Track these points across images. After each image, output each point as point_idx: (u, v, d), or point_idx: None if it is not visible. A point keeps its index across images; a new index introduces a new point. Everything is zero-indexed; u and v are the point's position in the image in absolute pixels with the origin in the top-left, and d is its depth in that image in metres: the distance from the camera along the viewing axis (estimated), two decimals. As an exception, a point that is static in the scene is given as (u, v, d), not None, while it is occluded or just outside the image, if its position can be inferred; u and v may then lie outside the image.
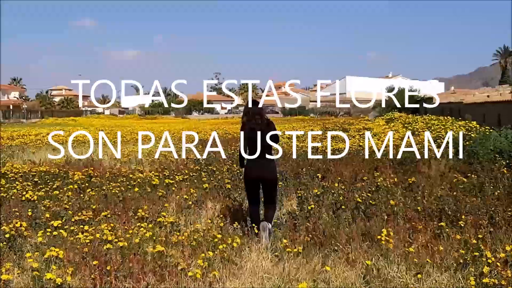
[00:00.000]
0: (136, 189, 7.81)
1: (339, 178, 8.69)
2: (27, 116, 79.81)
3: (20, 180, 9.06)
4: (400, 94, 38.61)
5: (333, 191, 7.63)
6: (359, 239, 5.57)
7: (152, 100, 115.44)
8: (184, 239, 5.32)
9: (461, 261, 4.81)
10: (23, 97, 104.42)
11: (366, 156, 11.48)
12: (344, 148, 12.86)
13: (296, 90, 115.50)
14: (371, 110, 58.40)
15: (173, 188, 8.23)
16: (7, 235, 5.32)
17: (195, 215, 7.09)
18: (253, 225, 5.86)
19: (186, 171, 9.45)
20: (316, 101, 79.43)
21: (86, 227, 5.65)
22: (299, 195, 7.18)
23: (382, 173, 9.34)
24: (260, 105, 6.24)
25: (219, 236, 5.36)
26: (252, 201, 6.22)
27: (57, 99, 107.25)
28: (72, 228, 5.73)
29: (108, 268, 4.33)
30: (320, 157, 11.33)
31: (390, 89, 41.52)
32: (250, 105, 6.20)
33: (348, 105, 68.83)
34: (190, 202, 7.28)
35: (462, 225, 5.88)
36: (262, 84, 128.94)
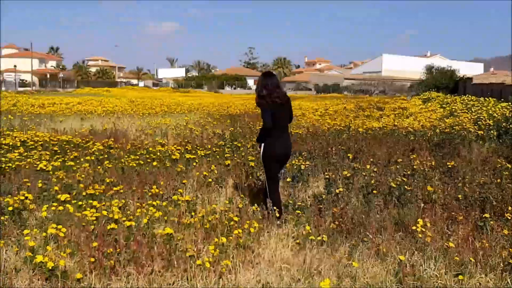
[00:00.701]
0: (155, 163, 7.39)
1: (371, 159, 8.08)
2: (63, 85, 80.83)
3: (39, 149, 8.76)
4: (439, 73, 37.17)
5: (364, 174, 7.06)
6: (391, 228, 5.01)
7: (186, 74, 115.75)
8: (197, 221, 4.86)
9: (511, 261, 4.21)
10: (60, 67, 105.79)
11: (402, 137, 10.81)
12: (378, 127, 12.20)
13: (330, 68, 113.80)
14: (407, 90, 56.86)
15: (194, 164, 7.79)
16: (10, 208, 4.96)
17: (215, 193, 6.63)
18: (275, 208, 5.37)
19: (209, 146, 8.99)
20: (350, 79, 77.75)
21: (95, 203, 5.24)
22: (327, 176, 6.62)
23: (418, 156, 8.68)
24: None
25: (236, 219, 4.89)
26: (275, 179, 5.76)
27: (93, 69, 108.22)
28: (80, 203, 5.34)
29: (109, 251, 3.90)
30: (352, 136, 10.74)
31: (428, 68, 39.98)
32: (267, 77, 5.64)
33: (383, 84, 67.23)
34: (210, 180, 6.82)
35: (509, 217, 5.24)
36: (296, 60, 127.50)
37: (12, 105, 22.14)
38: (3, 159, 7.48)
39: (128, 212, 5.11)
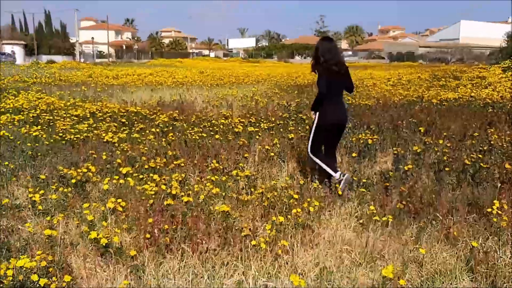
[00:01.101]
0: (217, 136, 7.31)
1: (444, 134, 7.59)
2: (138, 56, 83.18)
3: (108, 120, 8.94)
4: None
5: (436, 149, 6.63)
6: (463, 210, 4.62)
7: (256, 43, 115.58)
8: (255, 198, 4.72)
9: None
10: (135, 38, 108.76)
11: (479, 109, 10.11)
12: (453, 98, 11.50)
13: (405, 35, 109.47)
14: (486, 58, 53.63)
15: (257, 137, 7.64)
16: (73, 181, 5.04)
17: (276, 168, 6.46)
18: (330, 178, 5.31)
19: (273, 119, 8.79)
20: (426, 47, 74.41)
21: (155, 176, 5.22)
22: (395, 152, 6.25)
23: (497, 130, 8.07)
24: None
25: (296, 196, 4.70)
26: (329, 149, 5.68)
27: (166, 41, 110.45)
28: (141, 176, 5.34)
29: (165, 227, 3.84)
30: (424, 107, 10.17)
31: (510, 35, 37.33)
32: (325, 43, 5.42)
33: (461, 52, 63.88)
34: (272, 154, 6.65)
35: None
36: (369, 28, 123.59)
37: (88, 76, 22.98)
38: (72, 130, 7.67)
39: (186, 187, 5.05)
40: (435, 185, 5.42)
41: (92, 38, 77.32)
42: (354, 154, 6.60)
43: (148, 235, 3.74)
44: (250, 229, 3.95)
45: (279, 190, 5.15)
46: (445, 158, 5.98)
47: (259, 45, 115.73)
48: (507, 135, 7.62)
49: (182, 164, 5.92)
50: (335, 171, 5.42)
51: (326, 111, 5.34)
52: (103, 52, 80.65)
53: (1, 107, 10.08)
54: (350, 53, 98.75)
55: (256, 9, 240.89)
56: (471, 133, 7.77)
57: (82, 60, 64.11)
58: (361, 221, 4.51)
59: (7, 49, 59.24)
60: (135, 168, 5.78)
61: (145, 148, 6.56)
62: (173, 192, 4.58)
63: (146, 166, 5.72)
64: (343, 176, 5.31)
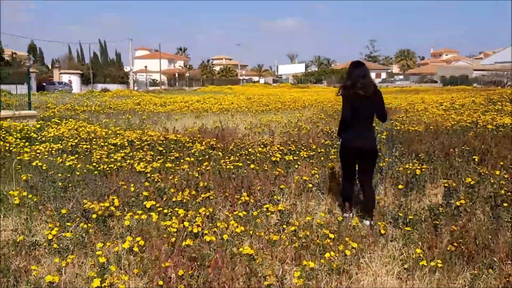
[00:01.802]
0: (253, 165, 6.91)
1: (501, 163, 6.90)
2: (189, 84, 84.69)
3: (146, 149, 8.75)
4: None
5: (492, 181, 5.98)
6: (526, 254, 4.01)
7: (306, 69, 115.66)
8: (285, 238, 4.27)
9: None
10: (187, 66, 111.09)
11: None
12: (510, 124, 10.66)
13: (458, 58, 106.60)
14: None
15: (296, 166, 7.21)
16: (94, 216, 4.76)
17: (314, 200, 5.99)
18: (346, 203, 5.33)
19: (314, 146, 8.33)
20: (480, 70, 71.89)
21: (180, 211, 4.86)
22: (446, 185, 5.64)
23: None
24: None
25: (332, 236, 4.22)
26: (348, 176, 5.48)
27: (217, 68, 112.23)
28: (166, 211, 4.99)
29: (180, 273, 3.45)
30: (479, 134, 9.44)
31: None
32: (354, 67, 5.28)
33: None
34: (310, 185, 6.19)
35: None
36: (421, 52, 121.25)
37: (136, 104, 23.28)
38: (106, 159, 7.49)
39: (211, 224, 4.65)
40: (492, 223, 4.79)
41: (145, 66, 79.43)
42: (400, 186, 6.05)
43: (160, 282, 3.35)
44: (276, 275, 3.50)
45: (314, 227, 4.69)
46: (502, 191, 5.32)
47: (308, 70, 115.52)
48: None
49: (212, 197, 5.55)
50: (347, 208, 5.31)
51: (348, 137, 5.27)
52: (156, 80, 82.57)
53: (42, 135, 10.11)
54: (401, 77, 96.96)
55: (306, 34, 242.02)
56: (532, 162, 7.05)
57: (135, 88, 65.71)
58: (405, 266, 3.97)
59: (65, 78, 61.47)
60: (163, 200, 5.47)
61: (176, 179, 6.23)
62: (195, 230, 4.19)
63: (174, 199, 5.39)
64: (345, 217, 5.08)
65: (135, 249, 3.92)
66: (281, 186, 6.15)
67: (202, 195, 5.48)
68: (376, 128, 10.33)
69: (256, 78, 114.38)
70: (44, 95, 36.18)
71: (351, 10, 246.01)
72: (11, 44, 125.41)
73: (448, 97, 25.45)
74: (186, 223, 4.40)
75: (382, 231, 4.51)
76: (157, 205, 5.21)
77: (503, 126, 10.24)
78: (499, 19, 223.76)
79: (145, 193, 5.49)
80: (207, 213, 4.94)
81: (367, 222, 5.05)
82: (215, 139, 9.40)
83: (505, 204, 4.98)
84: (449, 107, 18.36)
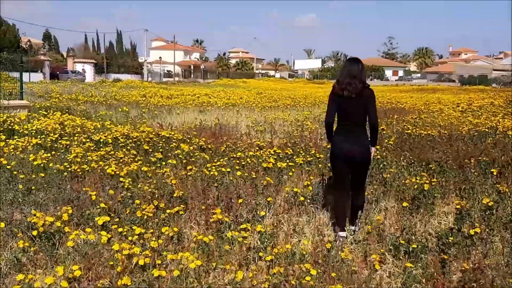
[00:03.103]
0: (239, 172, 6.10)
1: (526, 179, 6.02)
2: (204, 76, 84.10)
3: (128, 147, 8.00)
4: None
5: (514, 202, 5.11)
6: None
7: (322, 64, 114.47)
8: (256, 273, 3.47)
9: None
10: (203, 58, 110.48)
11: None
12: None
13: (477, 58, 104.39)
14: None
15: (290, 174, 6.40)
16: (34, 232, 4.01)
17: (305, 217, 5.18)
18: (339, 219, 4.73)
19: (313, 151, 7.49)
20: (500, 70, 70.01)
21: (138, 230, 4.09)
22: (458, 207, 4.77)
23: None
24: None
25: (314, 272, 3.41)
26: (340, 186, 4.91)
27: (233, 61, 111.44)
28: (120, 229, 4.20)
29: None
30: (499, 141, 8.52)
31: None
32: (347, 63, 4.84)
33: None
34: (303, 198, 5.38)
35: None
36: (439, 50, 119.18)
37: (141, 96, 22.58)
38: (78, 159, 6.75)
39: (164, 253, 3.84)
40: (513, 257, 3.95)
41: (160, 57, 78.84)
42: (405, 204, 5.20)
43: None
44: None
45: (297, 256, 3.89)
46: (527, 218, 4.46)
47: (325, 66, 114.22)
48: None
49: (181, 212, 4.76)
50: (339, 224, 4.69)
51: (334, 141, 4.84)
52: (171, 72, 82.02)
53: (25, 128, 9.42)
54: (418, 75, 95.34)
55: (325, 30, 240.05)
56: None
57: (149, 79, 65.27)
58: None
59: (79, 67, 61.22)
60: (126, 214, 4.70)
61: (146, 187, 5.44)
62: (141, 262, 3.40)
63: (138, 213, 4.61)
64: (340, 237, 4.56)
65: (63, 284, 3.15)
66: (268, 199, 5.34)
67: (168, 211, 4.68)
68: (384, 131, 9.49)
69: (272, 72, 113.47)
70: (54, 83, 35.79)
71: (368, 8, 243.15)
72: (28, 32, 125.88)
73: (466, 97, 24.33)
74: (136, 249, 3.61)
75: (377, 266, 3.69)
76: (116, 220, 4.45)
77: (526, 133, 9.29)
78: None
79: (102, 205, 4.72)
80: (171, 234, 4.15)
81: (354, 228, 4.73)
82: (209, 138, 8.64)
83: (530, 236, 4.12)
84: (466, 108, 17.35)
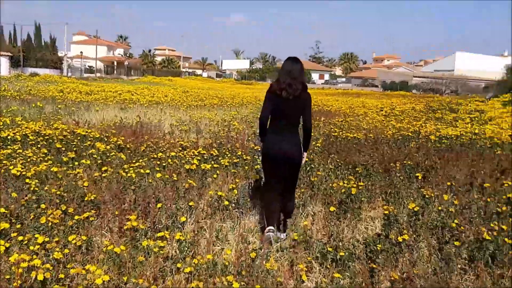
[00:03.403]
0: (159, 174, 5.69)
1: (448, 183, 6.03)
2: (128, 73, 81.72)
3: (39, 146, 7.34)
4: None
5: (439, 207, 5.05)
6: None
7: (250, 65, 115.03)
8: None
9: None
10: (127, 55, 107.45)
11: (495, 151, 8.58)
12: (454, 135, 9.99)
13: (399, 65, 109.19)
14: (482, 90, 52.62)
15: (215, 176, 6.07)
16: None
17: (230, 223, 4.88)
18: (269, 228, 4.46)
19: (239, 153, 7.20)
20: (420, 77, 73.46)
21: (41, 239, 3.60)
22: (386, 212, 4.64)
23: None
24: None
25: (237, 286, 3.10)
26: (272, 186, 4.71)
27: (159, 58, 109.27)
28: (21, 238, 3.69)
29: None
30: (421, 145, 8.65)
31: (510, 68, 36.23)
32: (287, 63, 4.56)
33: (455, 83, 62.90)
34: (227, 202, 5.07)
35: None
36: (363, 56, 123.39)
37: (58, 91, 21.35)
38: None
39: (68, 266, 3.40)
40: (441, 265, 3.84)
41: (81, 52, 75.64)
42: (332, 208, 5.02)
43: None
44: None
45: (220, 265, 3.57)
46: (453, 224, 4.37)
47: (253, 67, 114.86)
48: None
49: (92, 218, 4.31)
50: (270, 224, 4.50)
51: (268, 140, 4.62)
52: (93, 67, 78.99)
53: None
54: (343, 79, 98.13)
55: (253, 31, 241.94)
56: (479, 182, 6.24)
57: (69, 74, 62.43)
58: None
59: (-8, 60, 57.45)
60: (30, 220, 4.18)
61: (54, 190, 4.90)
62: (39, 277, 2.95)
63: (44, 220, 4.10)
64: (269, 233, 4.42)
65: None
66: (190, 203, 4.98)
67: (76, 217, 4.20)
68: (312, 134, 9.39)
69: (199, 72, 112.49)
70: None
71: (298, 10, 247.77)
72: None
73: (388, 102, 25.13)
74: (37, 261, 3.14)
75: (304, 277, 3.44)
76: (17, 227, 3.93)
77: (447, 138, 9.54)
78: (439, 29, 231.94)
79: (2, 210, 4.16)
80: (79, 243, 3.70)
81: (282, 235, 4.54)
82: (129, 137, 8.12)
83: (456, 243, 4.03)
84: (389, 113, 17.84)
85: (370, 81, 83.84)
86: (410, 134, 10.06)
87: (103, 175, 5.63)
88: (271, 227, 4.48)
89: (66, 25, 70.66)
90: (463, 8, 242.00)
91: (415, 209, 4.66)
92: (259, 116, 4.68)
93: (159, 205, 4.75)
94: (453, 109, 20.85)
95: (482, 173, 6.75)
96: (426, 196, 5.24)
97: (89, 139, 8.08)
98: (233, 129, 10.64)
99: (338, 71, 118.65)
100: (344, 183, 5.56)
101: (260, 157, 4.91)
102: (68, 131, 8.71)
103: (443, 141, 9.21)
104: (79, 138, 8.19)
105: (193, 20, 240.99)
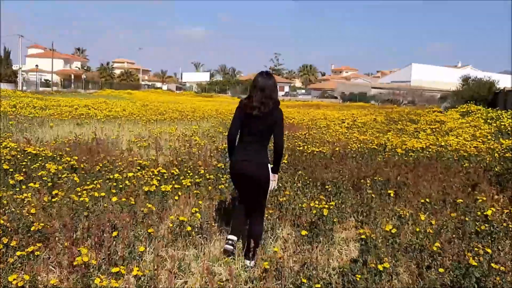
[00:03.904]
0: (115, 198, 5.22)
1: (422, 200, 5.80)
2: (86, 86, 79.90)
3: (-16, 167, 6.75)
4: (476, 84, 34.35)
5: (418, 229, 4.76)
6: None
7: (210, 78, 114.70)
8: None
9: None
10: (85, 68, 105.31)
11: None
12: (420, 148, 9.86)
13: (357, 76, 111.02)
14: (437, 101, 53.84)
15: (176, 198, 5.65)
16: None
17: (194, 251, 4.47)
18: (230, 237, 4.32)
19: (202, 171, 6.79)
20: (378, 88, 74.76)
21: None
22: (363, 237, 4.31)
23: (482, 192, 6.41)
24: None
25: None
26: (240, 203, 4.57)
27: (117, 71, 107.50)
28: None
29: None
30: (389, 158, 8.46)
31: (465, 79, 37.02)
32: (259, 78, 4.25)
33: (412, 94, 64.31)
34: (189, 228, 4.66)
35: None
36: (322, 68, 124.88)
37: (12, 106, 20.39)
38: None
39: None
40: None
41: (36, 65, 73.49)
42: (304, 232, 4.68)
43: None
44: None
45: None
46: (434, 247, 4.10)
47: (213, 79, 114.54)
48: (496, 202, 5.96)
49: (37, 252, 3.83)
50: (233, 233, 4.37)
51: (234, 159, 4.35)
52: (49, 81, 76.85)
53: None
54: (303, 91, 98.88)
55: (212, 44, 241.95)
56: (453, 197, 6.05)
57: (24, 88, 60.45)
58: None
59: None
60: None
61: (5, 217, 4.38)
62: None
63: (-20, 254, 3.60)
64: (227, 245, 4.28)
65: None
66: (149, 231, 4.55)
67: (18, 253, 3.72)
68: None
69: (159, 84, 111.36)
70: None
71: (253, 24, 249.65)
72: None
73: (349, 113, 25.20)
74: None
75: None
76: None
77: (413, 150, 9.40)
78: (395, 41, 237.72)
79: None
80: (21, 283, 3.23)
81: (250, 263, 4.20)
82: (84, 155, 7.60)
83: (440, 270, 3.74)
84: (351, 124, 17.78)
85: (329, 93, 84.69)
86: (375, 147, 9.88)
87: (53, 199, 5.12)
88: (232, 237, 4.31)
89: (20, 38, 68.12)
90: (420, 23, 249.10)
91: (392, 231, 4.36)
92: (227, 133, 4.38)
93: (114, 233, 4.30)
94: (413, 120, 21.01)
95: (454, 188, 6.58)
96: (402, 215, 4.96)
97: (40, 158, 7.53)
98: (194, 145, 10.23)
99: (298, 83, 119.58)
100: (315, 203, 5.22)
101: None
102: (19, 149, 8.13)
103: (410, 154, 9.06)
104: (30, 157, 7.64)
105: (153, 32, 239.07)
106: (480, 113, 22.46)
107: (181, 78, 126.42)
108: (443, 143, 10.45)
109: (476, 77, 37.04)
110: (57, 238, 4.28)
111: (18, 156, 7.66)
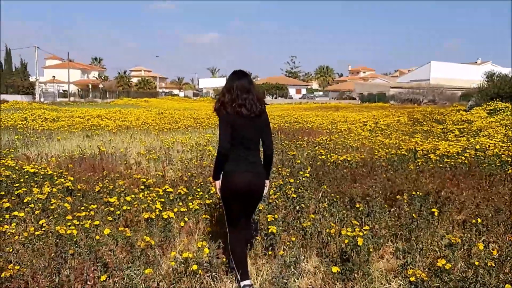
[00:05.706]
0: (107, 230, 4.43)
1: (473, 221, 4.90)
2: (103, 95, 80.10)
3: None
4: (502, 80, 33.00)
5: (477, 263, 3.87)
6: None
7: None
8: None
9: None
10: (102, 77, 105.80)
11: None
12: (455, 152, 8.89)
13: (375, 76, 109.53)
14: (458, 99, 52.43)
15: (182, 224, 4.86)
16: None
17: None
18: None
19: (214, 190, 5.99)
20: (397, 88, 73.30)
21: None
22: (412, 279, 3.41)
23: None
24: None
25: None
26: (238, 226, 3.99)
27: (135, 79, 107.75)
28: None
29: None
30: (422, 165, 7.54)
31: (490, 75, 35.63)
32: (235, 77, 3.86)
33: (432, 93, 62.82)
34: (196, 266, 3.85)
35: None
36: (339, 69, 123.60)
37: (22, 119, 19.90)
38: None
39: None
40: None
41: (53, 76, 73.85)
42: (335, 269, 3.84)
43: None
44: None
45: None
46: (505, 290, 3.22)
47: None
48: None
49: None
50: (244, 277, 3.82)
51: (229, 171, 3.79)
52: (67, 92, 77.20)
53: None
54: (321, 93, 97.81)
55: (228, 49, 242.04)
56: (507, 215, 5.14)
57: (41, 99, 60.64)
58: None
59: (-40, 87, 55.56)
60: None
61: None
62: None
63: None
64: (245, 286, 3.78)
65: None
66: (146, 271, 3.75)
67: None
68: (298, 161, 8.21)
69: (176, 91, 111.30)
70: None
71: (269, 28, 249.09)
72: None
73: (370, 115, 24.19)
74: None
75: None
76: None
77: (448, 156, 8.46)
78: (412, 40, 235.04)
79: None
80: None
81: (247, 282, 3.82)
82: (87, 172, 6.88)
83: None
84: (374, 127, 16.83)
85: (347, 94, 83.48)
86: (405, 153, 8.96)
87: (36, 233, 4.36)
88: (246, 282, 3.80)
89: (37, 49, 68.43)
90: (438, 21, 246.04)
91: (446, 267, 3.49)
92: (219, 146, 3.75)
93: (103, 277, 3.52)
94: (438, 120, 19.98)
95: (504, 200, 5.66)
96: (453, 243, 4.08)
97: (36, 178, 6.82)
98: (207, 156, 9.44)
99: (314, 85, 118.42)
100: (346, 230, 4.36)
101: (221, 197, 4.01)
102: (17, 167, 7.47)
103: (445, 160, 8.12)
104: (27, 176, 6.94)
105: (168, 40, 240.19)
106: (509, 111, 21.31)
107: (198, 84, 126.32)
108: (477, 147, 9.45)
109: (500, 73, 35.69)
110: (37, 285, 3.51)
111: (14, 176, 6.98)
